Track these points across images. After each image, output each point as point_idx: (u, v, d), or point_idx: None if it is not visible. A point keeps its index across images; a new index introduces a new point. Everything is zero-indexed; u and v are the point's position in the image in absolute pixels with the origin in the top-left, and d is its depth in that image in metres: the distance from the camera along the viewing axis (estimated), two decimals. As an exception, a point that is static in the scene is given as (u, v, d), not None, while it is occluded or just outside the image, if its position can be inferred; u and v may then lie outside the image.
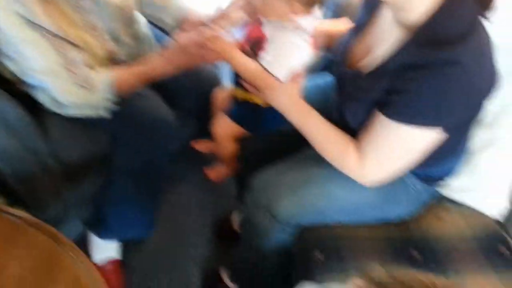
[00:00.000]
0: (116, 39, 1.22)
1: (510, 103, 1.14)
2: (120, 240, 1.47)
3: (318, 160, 1.09)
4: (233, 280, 1.37)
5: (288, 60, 0.99)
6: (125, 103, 1.22)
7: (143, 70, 1.14)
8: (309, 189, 1.06)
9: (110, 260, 1.44)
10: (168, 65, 1.12)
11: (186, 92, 1.41)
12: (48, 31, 1.00)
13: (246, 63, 1.01)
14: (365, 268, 1.03)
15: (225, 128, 1.23)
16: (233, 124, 1.20)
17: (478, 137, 1.16)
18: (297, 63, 1.00)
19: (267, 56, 0.98)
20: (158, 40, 1.40)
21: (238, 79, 1.15)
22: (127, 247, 1.52)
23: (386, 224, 1.14)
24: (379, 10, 0.99)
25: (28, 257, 0.85)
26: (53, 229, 0.91)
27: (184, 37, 1.07)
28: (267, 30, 1.03)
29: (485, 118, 1.14)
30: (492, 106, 1.05)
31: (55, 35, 1.02)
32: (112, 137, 1.28)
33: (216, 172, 1.37)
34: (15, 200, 1.16)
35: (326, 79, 1.27)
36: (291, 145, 1.18)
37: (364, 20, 1.02)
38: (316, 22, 1.02)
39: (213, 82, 1.47)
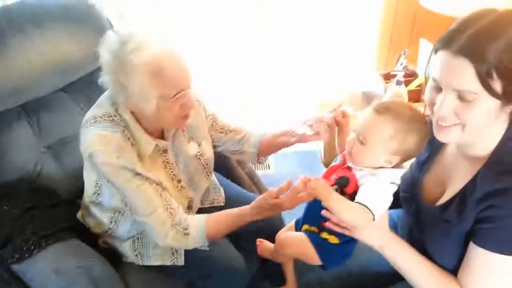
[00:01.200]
0: (195, 187, 1.33)
1: None
2: None
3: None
4: None
5: (378, 202, 1.00)
6: (198, 251, 1.25)
7: (233, 217, 1.20)
8: None
9: None
10: (257, 216, 1.17)
11: (252, 235, 1.42)
12: (151, 180, 1.11)
13: (345, 202, 1.00)
14: None
15: (296, 244, 1.18)
16: (308, 245, 1.15)
17: None
18: (384, 206, 1.02)
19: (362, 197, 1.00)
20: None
21: (316, 221, 1.16)
22: None
23: None
24: (443, 145, 1.03)
25: None
26: None
27: (276, 195, 1.11)
28: (356, 173, 1.05)
29: None
30: None
31: (157, 183, 1.13)
32: (188, 285, 1.29)
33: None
34: None
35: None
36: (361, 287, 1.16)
37: (428, 155, 1.06)
38: (401, 173, 1.05)
39: (278, 225, 1.49)
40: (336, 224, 1.05)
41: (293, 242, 1.20)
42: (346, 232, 1.04)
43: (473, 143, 0.90)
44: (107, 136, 1.07)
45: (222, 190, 1.47)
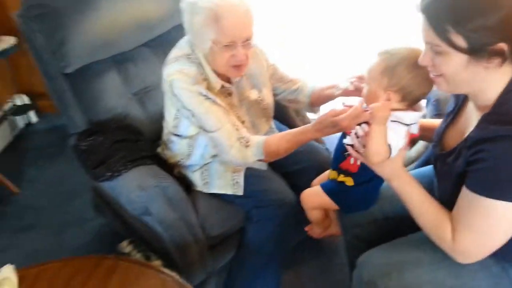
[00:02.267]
0: (256, 129, 1.51)
1: None
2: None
3: (426, 245, 1.11)
4: None
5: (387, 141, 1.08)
6: (255, 184, 1.44)
7: (292, 134, 1.32)
8: (415, 272, 1.09)
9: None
10: (318, 133, 1.26)
11: (303, 173, 1.56)
12: (219, 104, 1.31)
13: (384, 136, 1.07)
14: None
15: (313, 197, 1.34)
16: (323, 194, 1.31)
17: None
18: (394, 143, 1.08)
19: None
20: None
21: (335, 163, 1.29)
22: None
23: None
24: (466, 98, 1.08)
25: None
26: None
27: (338, 113, 1.17)
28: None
29: None
30: None
31: (224, 107, 1.33)
32: (245, 214, 1.49)
33: (315, 232, 1.47)
34: (168, 263, 1.40)
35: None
36: (398, 231, 1.24)
37: (454, 109, 1.12)
38: (419, 117, 1.14)
39: (327, 163, 1.61)
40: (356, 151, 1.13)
41: (310, 196, 1.36)
42: (360, 158, 1.13)
43: (477, 94, 0.96)
44: (185, 69, 1.30)
45: None
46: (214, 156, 1.44)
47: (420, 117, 1.14)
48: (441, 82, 0.96)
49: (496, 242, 0.95)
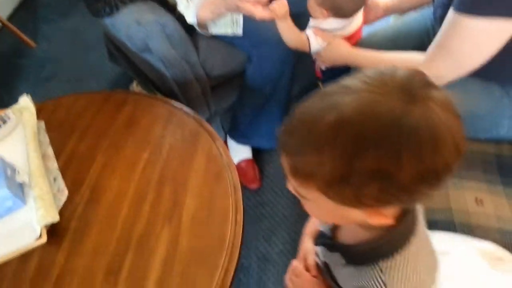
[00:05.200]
0: None
1: None
2: (252, 145, 1.74)
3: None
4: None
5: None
6: (254, 24, 1.37)
7: None
8: None
9: (245, 159, 1.73)
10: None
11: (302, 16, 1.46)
12: None
13: (290, 28, 1.26)
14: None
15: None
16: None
17: None
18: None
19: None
20: None
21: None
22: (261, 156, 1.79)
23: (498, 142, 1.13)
24: None
25: (178, 131, 1.14)
26: (198, 117, 1.18)
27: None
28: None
29: None
30: None
31: None
32: (246, 57, 1.51)
33: None
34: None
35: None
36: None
37: None
38: (342, 23, 1.28)
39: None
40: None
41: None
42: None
43: None
44: None
45: None
46: None
47: (345, 23, 1.28)
48: None
49: (468, 61, 0.94)
